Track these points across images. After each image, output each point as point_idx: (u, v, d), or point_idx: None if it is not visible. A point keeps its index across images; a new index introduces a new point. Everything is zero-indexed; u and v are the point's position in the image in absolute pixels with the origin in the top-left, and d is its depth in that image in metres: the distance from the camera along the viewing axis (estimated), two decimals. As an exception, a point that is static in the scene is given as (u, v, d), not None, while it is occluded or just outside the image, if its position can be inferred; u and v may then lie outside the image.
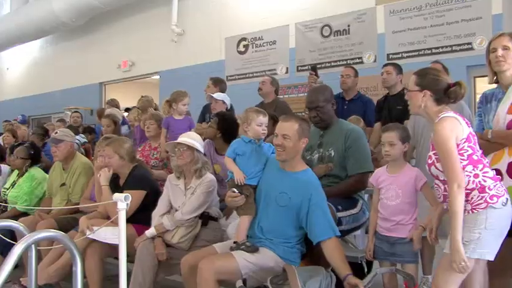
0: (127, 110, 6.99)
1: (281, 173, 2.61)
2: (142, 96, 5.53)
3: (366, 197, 3.15)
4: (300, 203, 2.50)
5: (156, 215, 3.16)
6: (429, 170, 2.19)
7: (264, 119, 2.73)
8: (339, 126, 3.02)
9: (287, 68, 7.52)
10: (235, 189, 2.61)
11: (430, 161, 2.16)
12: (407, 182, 2.57)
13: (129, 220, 3.05)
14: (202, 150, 3.20)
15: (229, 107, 4.65)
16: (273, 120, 3.63)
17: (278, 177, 2.60)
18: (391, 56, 6.36)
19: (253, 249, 2.52)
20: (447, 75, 2.27)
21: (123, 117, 6.71)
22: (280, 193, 2.56)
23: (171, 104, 4.16)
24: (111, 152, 3.43)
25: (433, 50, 6.06)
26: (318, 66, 6.40)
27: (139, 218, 3.23)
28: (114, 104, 7.10)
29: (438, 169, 2.13)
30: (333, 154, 2.94)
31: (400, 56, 6.28)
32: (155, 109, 5.32)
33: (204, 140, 3.91)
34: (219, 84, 5.42)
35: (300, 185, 2.53)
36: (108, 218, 3.12)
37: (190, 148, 3.13)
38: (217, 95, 4.70)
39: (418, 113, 2.24)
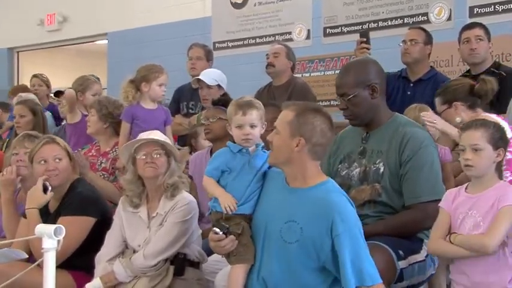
0: (57, 94, 6.93)
1: (286, 191, 2.65)
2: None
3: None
4: (318, 235, 2.51)
5: (101, 259, 3.19)
6: None
7: (245, 118, 2.73)
8: (393, 126, 3.02)
9: (308, 31, 7.53)
10: (217, 229, 2.63)
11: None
12: (496, 206, 2.57)
13: (65, 264, 3.09)
14: (178, 157, 3.28)
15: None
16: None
17: (282, 199, 2.64)
18: (476, 9, 6.30)
19: None
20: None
21: (52, 104, 6.73)
22: (287, 222, 2.57)
23: (139, 86, 4.20)
24: (60, 151, 3.47)
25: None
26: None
27: (81, 261, 3.23)
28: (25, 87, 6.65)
29: None
30: (382, 170, 2.95)
31: (491, 9, 6.20)
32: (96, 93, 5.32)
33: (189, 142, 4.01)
34: (211, 56, 5.55)
35: (315, 207, 2.54)
36: (31, 258, 3.11)
37: (166, 153, 3.19)
38: (208, 77, 4.75)
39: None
